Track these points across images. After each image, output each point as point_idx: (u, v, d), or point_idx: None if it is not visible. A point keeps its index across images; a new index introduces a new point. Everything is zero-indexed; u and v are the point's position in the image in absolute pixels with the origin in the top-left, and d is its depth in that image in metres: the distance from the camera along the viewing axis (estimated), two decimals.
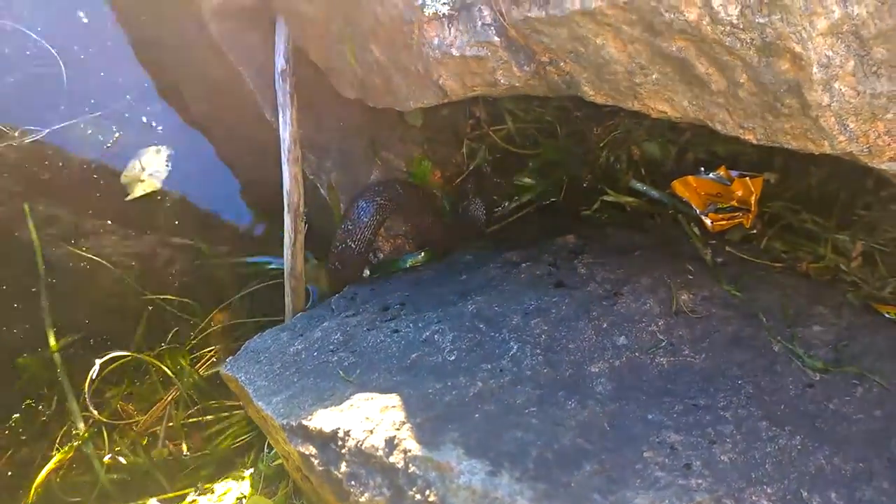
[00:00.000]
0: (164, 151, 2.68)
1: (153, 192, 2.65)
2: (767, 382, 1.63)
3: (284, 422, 1.66)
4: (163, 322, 2.55)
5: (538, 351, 1.73)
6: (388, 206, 2.29)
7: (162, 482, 2.33)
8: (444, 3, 1.64)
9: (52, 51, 2.62)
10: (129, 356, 2.44)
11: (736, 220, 2.06)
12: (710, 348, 1.72)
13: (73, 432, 2.37)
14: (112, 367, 2.43)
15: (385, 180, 2.38)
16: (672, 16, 1.34)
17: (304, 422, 1.62)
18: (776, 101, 1.37)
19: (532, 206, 2.47)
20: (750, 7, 1.28)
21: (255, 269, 2.65)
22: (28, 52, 2.64)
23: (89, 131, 2.64)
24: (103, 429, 2.39)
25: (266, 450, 2.21)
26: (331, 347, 1.89)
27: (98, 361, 2.40)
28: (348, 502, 1.51)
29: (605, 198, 2.29)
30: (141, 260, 2.61)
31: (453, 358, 1.74)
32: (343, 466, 1.53)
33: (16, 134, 2.58)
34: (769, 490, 1.39)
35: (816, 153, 1.43)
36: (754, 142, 1.47)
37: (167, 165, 2.66)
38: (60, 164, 2.61)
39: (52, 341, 2.44)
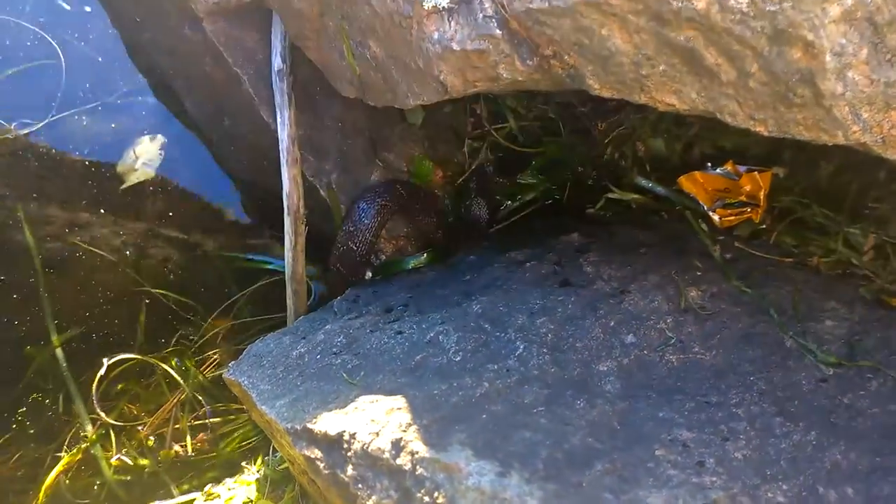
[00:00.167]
0: (158, 139, 2.69)
1: (146, 180, 2.67)
2: (780, 378, 1.60)
3: (289, 425, 1.64)
4: (163, 320, 2.56)
5: (545, 350, 1.71)
6: (389, 206, 2.28)
7: (168, 484, 2.34)
8: None
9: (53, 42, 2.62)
10: (136, 359, 2.45)
11: (745, 216, 2.03)
12: (720, 345, 1.70)
13: (82, 434, 2.39)
14: (120, 369, 2.45)
15: (386, 181, 2.36)
16: (680, 4, 1.31)
17: (309, 425, 1.60)
18: (788, 90, 1.34)
19: (535, 205, 2.45)
20: None
21: (256, 268, 2.66)
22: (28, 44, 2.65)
23: (84, 123, 2.63)
24: (110, 431, 2.41)
25: (272, 453, 2.20)
26: (334, 350, 1.88)
27: (107, 361, 2.42)
28: None
29: (610, 195, 2.26)
30: (139, 254, 2.62)
31: (458, 359, 1.73)
32: (349, 469, 1.51)
33: (12, 126, 2.58)
34: (784, 487, 1.37)
35: (830, 144, 1.40)
36: (765, 134, 1.44)
37: (160, 154, 2.67)
38: (57, 157, 2.62)
39: (53, 336, 2.46)
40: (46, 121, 2.59)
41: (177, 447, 2.40)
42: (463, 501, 1.34)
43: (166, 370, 2.45)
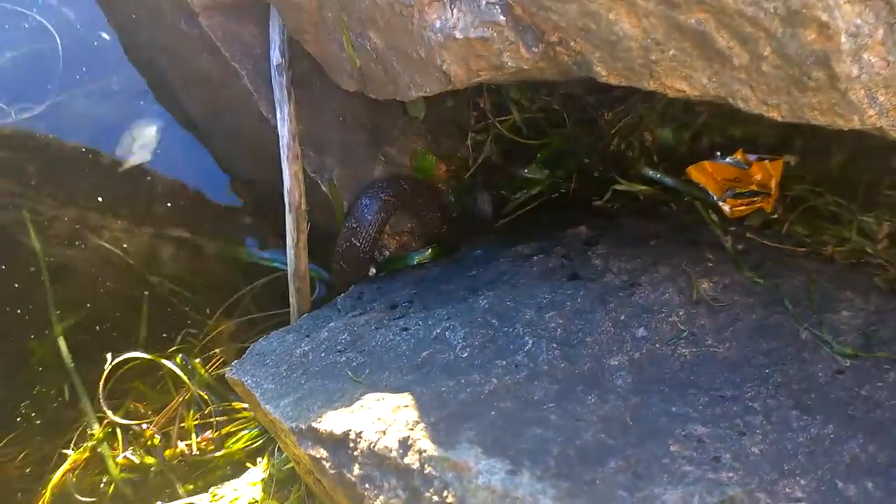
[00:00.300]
0: (155, 123, 2.69)
1: (143, 164, 2.67)
2: (795, 371, 1.57)
3: (293, 425, 1.61)
4: (168, 318, 2.57)
5: (554, 345, 1.68)
6: (392, 202, 2.24)
7: (174, 483, 2.34)
8: None
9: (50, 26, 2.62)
10: (142, 358, 2.44)
11: (756, 205, 2.00)
12: (733, 337, 1.66)
13: (89, 432, 2.40)
14: (127, 367, 2.44)
15: (389, 176, 2.33)
16: None
17: (314, 424, 1.57)
18: (802, 74, 1.31)
19: (542, 198, 2.41)
20: None
21: (259, 265, 2.66)
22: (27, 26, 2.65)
23: (83, 108, 2.63)
24: (117, 429, 2.41)
25: (277, 453, 2.18)
26: (338, 348, 1.85)
27: (111, 360, 2.42)
28: None
29: (617, 187, 2.22)
30: (139, 251, 2.62)
31: (466, 355, 1.70)
32: (356, 469, 1.48)
33: (12, 111, 2.58)
34: (803, 481, 1.34)
35: (845, 129, 1.36)
36: (779, 119, 1.41)
37: (157, 136, 2.67)
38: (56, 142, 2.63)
39: (56, 328, 2.47)
40: (45, 105, 2.58)
41: (182, 446, 2.39)
42: (473, 501, 1.31)
43: (171, 369, 2.44)
